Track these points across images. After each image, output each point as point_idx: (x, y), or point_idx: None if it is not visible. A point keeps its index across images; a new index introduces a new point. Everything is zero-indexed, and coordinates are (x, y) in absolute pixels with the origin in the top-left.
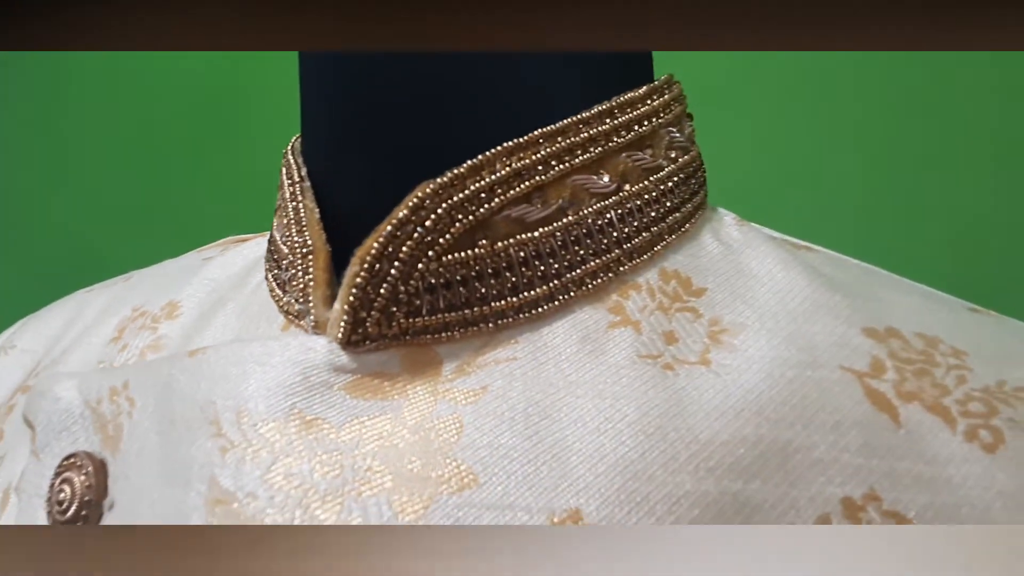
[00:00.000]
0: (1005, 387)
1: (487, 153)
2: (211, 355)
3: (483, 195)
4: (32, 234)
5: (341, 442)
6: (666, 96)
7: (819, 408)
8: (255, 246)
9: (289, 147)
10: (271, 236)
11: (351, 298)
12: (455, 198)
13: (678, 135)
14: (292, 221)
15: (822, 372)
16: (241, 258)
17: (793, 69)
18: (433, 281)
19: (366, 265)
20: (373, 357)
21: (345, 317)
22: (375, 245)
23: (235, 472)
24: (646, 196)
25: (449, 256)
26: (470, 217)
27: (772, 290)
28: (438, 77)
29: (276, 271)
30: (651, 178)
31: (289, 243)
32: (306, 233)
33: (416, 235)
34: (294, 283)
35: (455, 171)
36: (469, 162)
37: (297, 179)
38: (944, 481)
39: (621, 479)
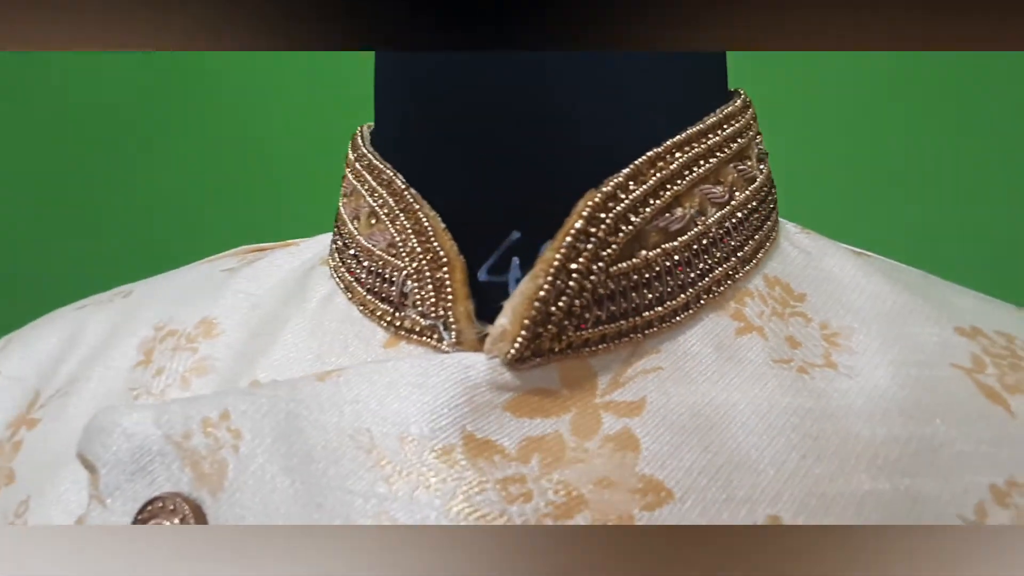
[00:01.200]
0: None
1: (636, 163)
2: (351, 378)
3: (638, 205)
4: None
5: (520, 464)
6: (751, 109)
7: (947, 404)
8: (287, 255)
9: (365, 152)
10: (358, 247)
11: (533, 313)
12: (619, 208)
13: (761, 146)
14: (410, 231)
15: (937, 370)
16: (275, 268)
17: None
18: (602, 292)
19: (549, 278)
20: (535, 373)
21: (523, 332)
22: (557, 257)
23: (409, 505)
24: (750, 205)
25: (615, 267)
26: (630, 227)
27: (864, 295)
28: (541, 83)
29: (379, 284)
30: (750, 188)
31: (407, 254)
32: (434, 243)
33: (590, 246)
34: (418, 296)
35: (616, 180)
36: (625, 171)
37: (401, 186)
38: None
39: (806, 483)
